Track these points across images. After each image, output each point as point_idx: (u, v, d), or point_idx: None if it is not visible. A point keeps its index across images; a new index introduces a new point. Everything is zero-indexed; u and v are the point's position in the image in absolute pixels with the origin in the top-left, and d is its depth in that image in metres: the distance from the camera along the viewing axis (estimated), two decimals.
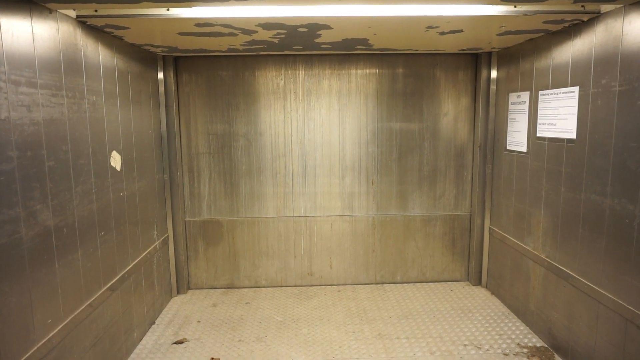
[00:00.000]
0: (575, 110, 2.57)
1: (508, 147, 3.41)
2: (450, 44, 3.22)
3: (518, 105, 3.23)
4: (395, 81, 3.74)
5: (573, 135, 2.59)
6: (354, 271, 3.98)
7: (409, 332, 3.10)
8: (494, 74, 3.61)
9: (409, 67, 3.73)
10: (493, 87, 3.62)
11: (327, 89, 3.73)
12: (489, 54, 3.61)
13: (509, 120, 3.39)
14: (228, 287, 3.93)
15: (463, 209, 3.95)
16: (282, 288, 3.93)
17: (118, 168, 2.70)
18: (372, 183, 3.85)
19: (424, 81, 3.75)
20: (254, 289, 3.92)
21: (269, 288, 3.93)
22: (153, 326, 3.21)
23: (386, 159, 3.83)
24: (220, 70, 3.67)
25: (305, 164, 3.81)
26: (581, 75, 2.51)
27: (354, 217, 3.89)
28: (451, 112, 3.80)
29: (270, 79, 3.70)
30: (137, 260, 2.95)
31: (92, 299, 2.35)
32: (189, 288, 3.91)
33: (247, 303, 3.61)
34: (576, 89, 2.56)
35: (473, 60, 3.75)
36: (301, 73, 3.70)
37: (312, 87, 3.72)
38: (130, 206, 2.88)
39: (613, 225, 2.29)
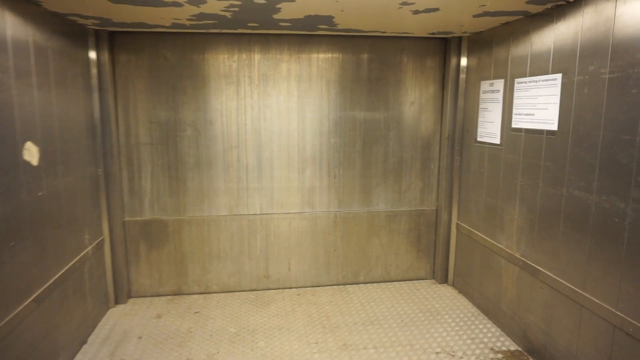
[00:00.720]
0: (557, 99, 2.38)
1: (479, 139, 3.21)
2: (420, 26, 2.95)
3: (491, 94, 3.03)
4: (359, 67, 3.44)
5: (554, 127, 2.40)
6: (314, 272, 3.68)
7: (376, 341, 2.84)
8: (464, 60, 3.39)
9: (374, 51, 3.44)
10: (463, 74, 3.41)
11: (285, 73, 3.38)
12: (459, 39, 3.38)
13: (480, 110, 3.19)
14: (175, 294, 3.51)
15: (429, 204, 3.74)
16: (236, 293, 3.56)
17: (34, 162, 2.23)
18: (334, 177, 3.56)
19: (390, 67, 3.48)
20: (205, 295, 3.53)
21: (221, 294, 3.55)
22: (85, 346, 2.76)
23: (349, 150, 3.54)
24: (164, 50, 3.22)
25: (261, 156, 3.44)
26: (565, 62, 2.32)
27: (314, 214, 3.59)
28: (418, 100, 3.56)
29: (222, 61, 3.29)
30: (62, 271, 2.49)
31: None
32: (129, 297, 3.46)
33: (196, 312, 3.22)
34: (559, 76, 2.36)
35: (442, 46, 3.52)
36: (257, 55, 3.32)
37: (269, 71, 3.35)
38: (53, 208, 2.41)
39: (600, 224, 2.11)
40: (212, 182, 3.42)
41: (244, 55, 3.30)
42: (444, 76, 3.53)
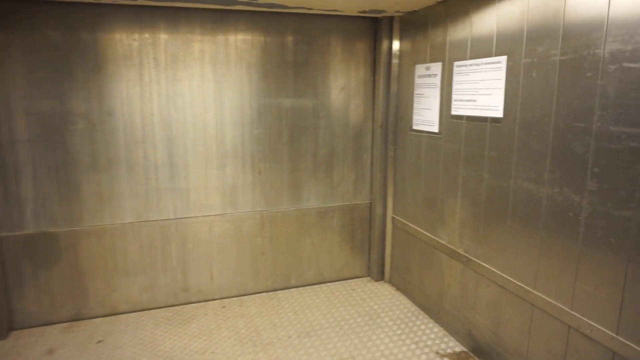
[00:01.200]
0: (502, 84, 2.19)
1: (415, 127, 2.99)
2: (350, 2, 2.64)
3: (427, 79, 2.81)
4: (284, 49, 3.06)
5: (499, 114, 2.22)
6: (240, 280, 3.28)
7: (315, 356, 2.54)
8: (396, 42, 3.15)
9: (300, 32, 3.07)
10: (395, 58, 3.16)
11: (198, 54, 2.90)
12: (391, 19, 3.13)
13: (415, 96, 2.97)
14: (73, 320, 2.94)
15: (363, 197, 3.49)
16: (150, 312, 3.07)
17: None
18: (259, 172, 3.17)
19: (318, 50, 3.14)
20: (111, 317, 2.99)
21: (131, 314, 3.03)
22: None
23: (275, 142, 3.16)
24: (44, 25, 2.59)
25: (172, 151, 2.95)
26: (510, 43, 2.13)
27: (238, 215, 3.18)
28: (348, 86, 3.27)
29: (120, 40, 2.73)
30: None
31: None
32: (11, 329, 2.82)
33: (100, 341, 2.69)
34: (503, 58, 2.17)
35: (373, 27, 3.24)
36: (163, 33, 2.80)
37: (179, 51, 2.85)
38: None
39: (552, 219, 1.96)
40: (113, 185, 2.87)
41: (146, 34, 2.77)
42: (375, 59, 3.27)
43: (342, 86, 3.24)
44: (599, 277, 1.77)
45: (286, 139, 3.18)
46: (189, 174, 3.01)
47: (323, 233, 3.43)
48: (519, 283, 2.17)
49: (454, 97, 2.56)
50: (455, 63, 2.53)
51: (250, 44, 2.98)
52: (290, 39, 3.06)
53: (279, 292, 3.37)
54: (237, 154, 3.09)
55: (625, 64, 1.62)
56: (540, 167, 2.01)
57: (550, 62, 1.92)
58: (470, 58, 2.41)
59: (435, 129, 2.76)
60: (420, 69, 2.89)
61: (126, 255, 2.97)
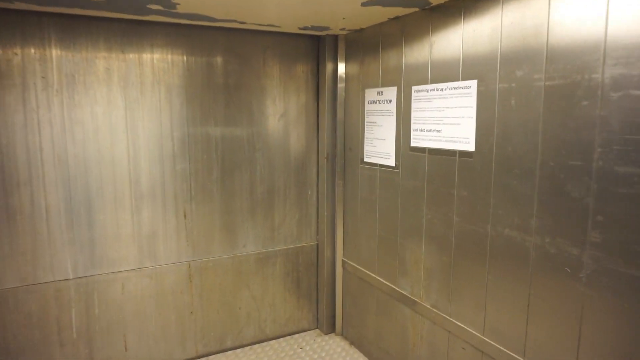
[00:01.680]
0: (472, 112, 1.87)
1: (366, 159, 2.62)
2: (290, 15, 2.24)
3: (380, 105, 2.46)
4: (213, 68, 2.58)
5: (470, 147, 1.89)
6: (163, 348, 2.68)
7: None
8: (342, 63, 2.79)
9: (232, 50, 2.62)
10: (341, 82, 2.80)
11: (103, 75, 2.34)
12: (335, 38, 2.77)
13: (365, 124, 2.60)
14: None
15: (308, 239, 3.05)
16: None
17: None
18: (185, 215, 2.63)
19: (253, 71, 2.69)
20: None
21: None
22: None
23: (204, 179, 2.65)
24: None
25: (70, 194, 2.34)
26: (481, 66, 1.82)
27: (159, 268, 2.60)
28: (289, 113, 2.85)
29: None
30: None
31: None
32: None
33: None
34: (473, 83, 1.86)
35: (315, 46, 2.87)
36: (54, 47, 2.22)
37: (77, 70, 2.28)
38: None
39: (544, 273, 1.64)
40: None
41: (31, 47, 2.18)
42: (319, 83, 2.88)
43: (282, 113, 2.82)
44: (608, 348, 1.45)
45: (217, 175, 2.68)
46: (94, 221, 2.41)
47: (264, 283, 2.93)
48: (504, 349, 1.81)
49: (413, 126, 2.22)
50: (414, 88, 2.19)
51: (170, 62, 2.47)
52: (219, 58, 2.59)
53: (212, 357, 2.80)
54: (155, 194, 2.53)
55: (633, 92, 1.33)
56: (525, 211, 1.68)
57: (534, 88, 1.62)
58: (432, 82, 2.08)
59: (392, 163, 2.40)
60: (370, 94, 2.54)
61: (7, 330, 2.28)
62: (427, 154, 2.15)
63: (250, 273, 2.88)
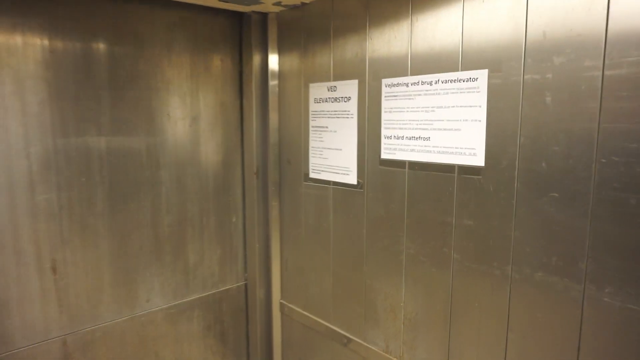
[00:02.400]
0: (480, 113, 1.38)
1: (313, 175, 2.02)
2: None
3: (332, 105, 1.88)
4: (93, 53, 1.76)
5: (478, 160, 1.40)
6: None
7: None
8: (274, 49, 2.14)
9: (121, 27, 1.82)
10: (274, 74, 2.15)
11: None
12: (264, 17, 2.11)
13: (311, 129, 2.00)
14: None
15: (234, 278, 2.35)
16: None
17: None
18: (54, 270, 1.77)
19: (153, 57, 1.92)
20: None
21: None
22: None
23: (83, 213, 1.81)
24: None
25: None
26: (493, 50, 1.33)
27: (12, 355, 1.71)
28: (205, 115, 2.12)
29: None
30: None
31: None
32: None
33: None
34: (481, 74, 1.36)
35: (237, 28, 2.18)
36: None
37: None
38: None
39: (602, 337, 1.19)
40: None
41: None
42: (243, 75, 2.20)
43: (194, 116, 2.08)
44: None
45: (103, 206, 1.85)
46: None
47: (177, 346, 2.16)
48: None
49: (385, 132, 1.67)
50: (385, 81, 1.65)
51: (22, 47, 1.61)
52: (103, 38, 1.78)
53: None
54: (3, 243, 1.64)
55: None
56: (570, 249, 1.23)
57: (584, 79, 1.16)
58: (415, 73, 1.55)
59: (352, 180, 1.83)
60: (318, 90, 1.94)
61: None
62: (407, 169, 1.62)
63: (159, 336, 2.09)
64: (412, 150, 1.58)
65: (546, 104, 1.24)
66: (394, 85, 1.62)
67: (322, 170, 1.96)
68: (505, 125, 1.33)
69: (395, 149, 1.64)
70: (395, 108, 1.62)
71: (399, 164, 1.64)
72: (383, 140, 1.68)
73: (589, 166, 1.17)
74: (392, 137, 1.65)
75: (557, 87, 1.21)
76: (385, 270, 1.75)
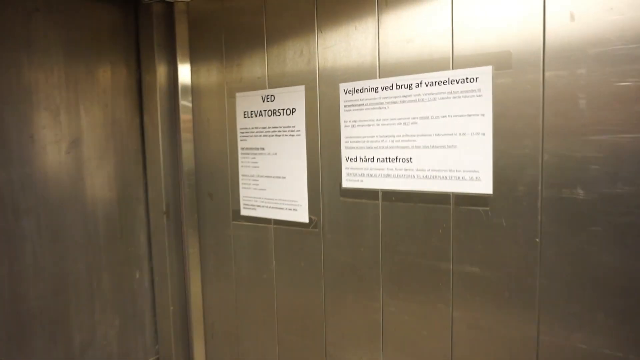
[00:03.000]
0: (484, 124, 1.04)
1: (246, 212, 1.54)
2: None
3: (269, 120, 1.43)
4: None
5: (483, 187, 1.05)
6: None
7: None
8: (184, 51, 1.64)
9: None
10: (186, 79, 1.64)
11: None
12: (169, 7, 1.61)
13: (240, 152, 1.53)
14: None
15: (142, 355, 1.75)
16: None
17: None
18: None
19: (4, 55, 1.32)
20: None
21: None
22: None
23: None
24: None
25: None
26: (498, 40, 1.00)
27: None
28: (89, 137, 1.54)
29: None
30: None
31: None
32: None
33: None
34: (484, 72, 1.03)
35: (134, 20, 1.64)
36: None
37: None
38: None
39: None
40: None
41: None
42: (143, 85, 1.66)
43: (73, 139, 1.49)
44: None
45: None
46: None
47: None
48: None
49: (346, 153, 1.27)
50: (345, 86, 1.25)
51: None
52: None
53: None
54: None
55: None
56: (631, 305, 0.92)
57: (633, 74, 0.87)
58: (386, 75, 1.18)
59: (302, 217, 1.39)
60: (248, 101, 1.48)
61: None
62: (380, 201, 1.22)
63: None
64: (387, 175, 1.20)
65: (580, 109, 0.93)
66: (357, 91, 1.23)
67: (259, 206, 1.50)
68: (520, 140, 1.00)
69: (362, 175, 1.24)
70: (359, 121, 1.23)
71: (369, 194, 1.24)
72: (344, 164, 1.28)
73: None
74: (358, 158, 1.25)
75: (594, 86, 0.91)
76: (355, 335, 1.32)
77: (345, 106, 1.25)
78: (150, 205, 1.69)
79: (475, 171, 1.06)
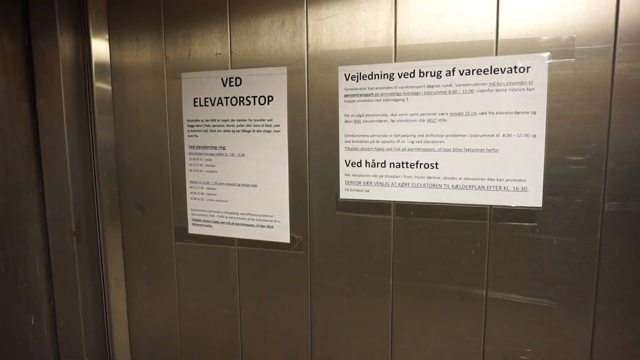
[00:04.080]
0: (536, 124, 0.86)
1: (195, 229, 1.18)
2: None
3: (234, 110, 1.09)
4: None
5: (532, 199, 0.88)
6: None
7: None
8: (99, 18, 1.19)
9: None
10: (102, 55, 1.20)
11: None
12: None
13: (188, 151, 1.16)
14: None
15: None
16: None
17: None
18: None
19: None
20: None
21: None
22: None
23: None
24: None
25: None
26: (555, 22, 0.83)
27: None
28: None
29: None
30: None
31: None
32: None
33: None
34: (538, 60, 0.85)
35: None
36: None
37: None
38: None
39: None
40: None
41: None
42: (33, 57, 1.17)
43: None
44: None
45: None
46: None
47: None
48: None
49: (345, 155, 1.00)
50: (345, 70, 0.98)
51: None
52: None
53: None
54: None
55: None
56: None
57: None
58: (405, 59, 0.93)
59: (283, 236, 1.09)
60: (201, 85, 1.12)
61: None
62: (393, 216, 0.99)
63: None
64: (404, 184, 0.96)
65: None
66: (364, 77, 0.96)
67: (216, 222, 1.15)
68: (579, 144, 0.84)
69: (368, 184, 0.99)
70: (367, 115, 0.97)
71: (377, 207, 0.99)
72: (343, 169, 1.01)
73: None
74: (363, 163, 0.99)
75: None
76: None
77: (346, 96, 0.98)
78: (50, 223, 1.22)
79: (521, 180, 0.88)
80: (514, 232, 0.90)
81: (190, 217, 1.18)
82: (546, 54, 0.84)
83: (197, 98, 1.12)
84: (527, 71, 0.85)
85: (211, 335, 1.21)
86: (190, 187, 1.16)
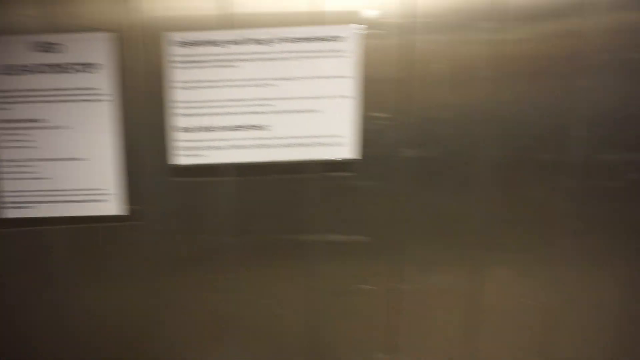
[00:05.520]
0: (349, 87, 1.01)
1: (12, 214, 1.06)
2: None
3: (50, 78, 1.01)
4: None
5: (349, 152, 1.03)
6: None
7: None
8: None
9: None
10: None
11: None
12: None
13: None
14: None
15: None
16: None
17: None
18: None
19: None
20: None
21: None
22: None
23: None
24: None
25: None
26: None
27: None
28: None
29: None
30: None
31: None
32: None
33: None
34: (352, 30, 0.99)
35: None
36: None
37: None
38: None
39: None
40: None
41: None
42: None
43: None
44: None
45: None
46: None
47: None
48: None
49: (181, 121, 1.02)
50: (176, 37, 0.99)
51: None
52: None
53: None
54: None
55: None
56: None
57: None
58: (235, 26, 0.99)
59: (116, 209, 1.05)
60: (5, 51, 1.01)
61: None
62: (228, 177, 1.04)
63: None
64: (237, 146, 1.02)
65: (439, 73, 1.00)
66: (195, 43, 0.99)
67: (40, 202, 1.05)
68: (383, 103, 1.01)
69: (203, 148, 1.02)
70: (198, 82, 1.00)
71: (213, 170, 1.03)
72: (176, 136, 1.02)
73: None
74: (196, 129, 1.02)
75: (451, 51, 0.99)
76: (200, 333, 1.09)
77: (177, 62, 1.00)
78: None
79: (340, 136, 1.01)
80: (337, 182, 1.03)
81: (7, 200, 1.05)
82: (361, 26, 0.98)
83: (7, 65, 1.01)
84: (346, 40, 0.99)
85: (36, 321, 1.10)
86: (5, 166, 1.04)
